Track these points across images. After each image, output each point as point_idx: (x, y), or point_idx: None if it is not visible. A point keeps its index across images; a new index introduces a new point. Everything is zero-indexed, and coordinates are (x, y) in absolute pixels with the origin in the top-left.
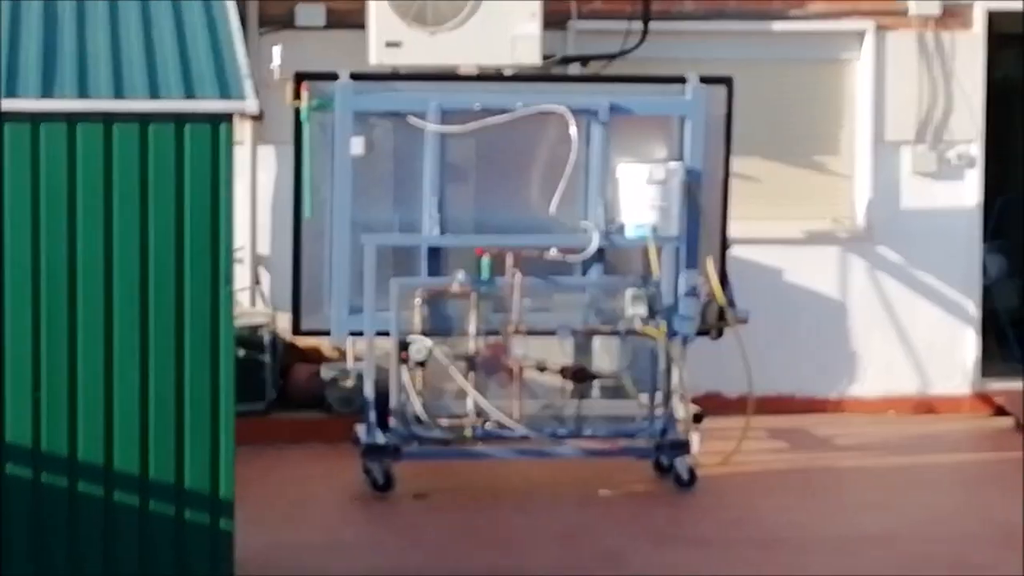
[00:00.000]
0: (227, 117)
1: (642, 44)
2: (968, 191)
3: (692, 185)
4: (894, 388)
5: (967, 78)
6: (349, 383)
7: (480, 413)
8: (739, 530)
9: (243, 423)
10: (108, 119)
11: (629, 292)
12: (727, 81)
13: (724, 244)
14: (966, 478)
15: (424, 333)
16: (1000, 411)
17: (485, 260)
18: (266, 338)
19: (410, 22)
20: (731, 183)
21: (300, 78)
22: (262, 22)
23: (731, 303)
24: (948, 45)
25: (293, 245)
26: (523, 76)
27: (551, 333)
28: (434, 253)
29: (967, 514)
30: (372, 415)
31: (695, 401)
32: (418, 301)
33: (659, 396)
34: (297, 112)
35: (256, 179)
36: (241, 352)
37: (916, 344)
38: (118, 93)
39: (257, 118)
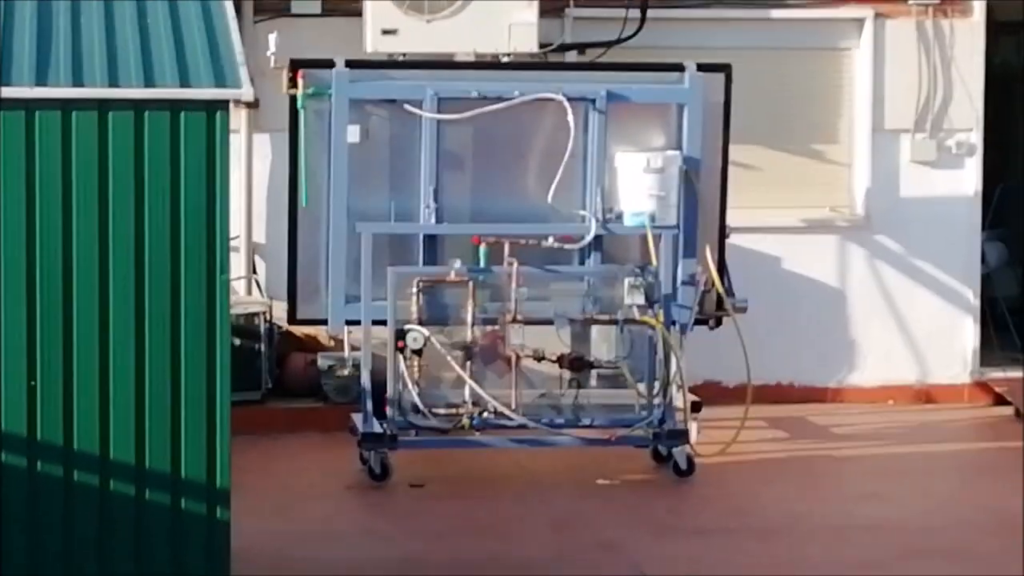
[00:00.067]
0: (222, 104)
1: (640, 32)
2: (967, 179)
3: (690, 173)
4: (893, 377)
5: (966, 66)
6: (345, 372)
7: (477, 402)
8: (738, 519)
9: (239, 412)
10: (103, 106)
11: (627, 281)
12: (725, 69)
13: (722, 232)
14: (965, 467)
15: (421, 322)
16: (1000, 400)
17: (482, 249)
18: (262, 327)
19: (406, 9)
20: (729, 171)
21: (296, 66)
22: (257, 9)
23: (729, 292)
24: (947, 33)
25: (289, 233)
26: (520, 64)
27: (548, 322)
28: (431, 242)
29: (966, 503)
30: (369, 404)
31: (693, 390)
32: (415, 290)
33: (657, 385)
34: (293, 100)
35: (252, 167)
36: (237, 341)
37: (915, 333)
38: (113, 80)
39: (253, 105)
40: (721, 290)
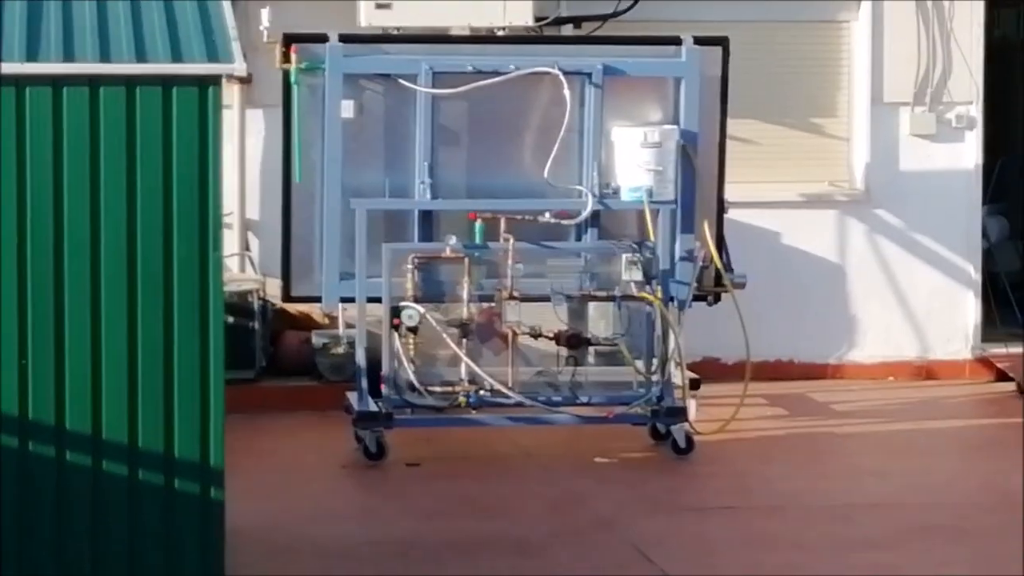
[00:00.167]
0: (215, 80)
1: (636, 5)
2: (967, 153)
3: (688, 148)
4: (894, 353)
5: (966, 38)
6: (340, 350)
7: (473, 380)
8: (737, 497)
9: (233, 391)
10: (94, 82)
11: (624, 257)
12: (723, 42)
13: (721, 208)
14: (967, 444)
15: (416, 299)
16: (1001, 376)
17: (478, 225)
18: (256, 305)
19: None
20: (727, 146)
21: (289, 40)
22: None
23: (728, 267)
24: (947, 5)
25: (283, 210)
26: (516, 38)
27: (545, 299)
28: (426, 218)
29: (968, 480)
30: (364, 382)
31: (692, 367)
32: (410, 267)
33: (655, 362)
34: (286, 75)
35: (245, 143)
36: (230, 319)
37: (916, 308)
38: (104, 56)
39: (245, 81)
40: (720, 266)
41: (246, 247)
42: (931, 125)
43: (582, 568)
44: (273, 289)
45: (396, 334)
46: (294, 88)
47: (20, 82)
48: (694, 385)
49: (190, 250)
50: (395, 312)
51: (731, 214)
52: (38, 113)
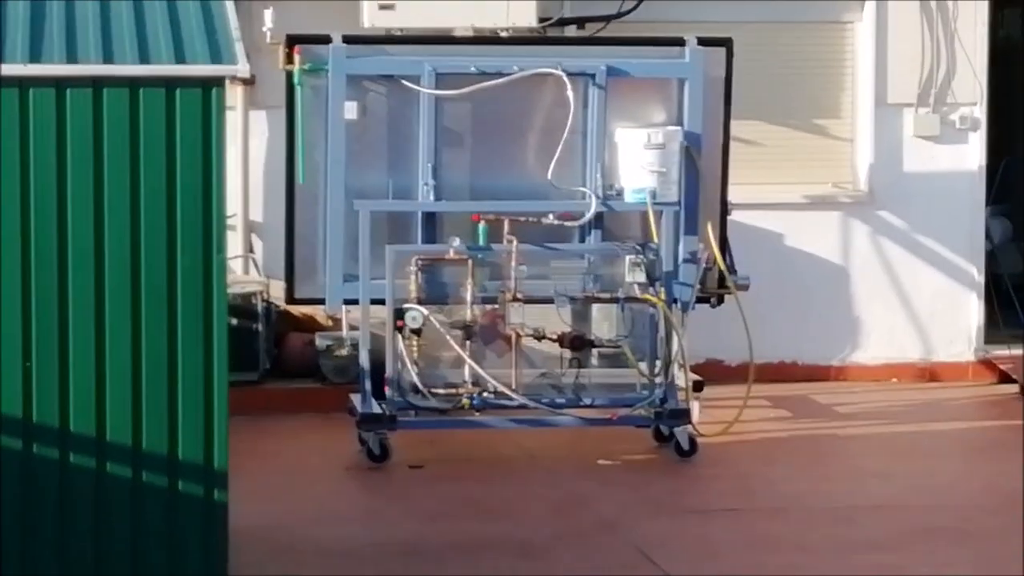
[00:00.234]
0: (218, 81)
1: (640, 5)
2: (971, 154)
3: (691, 149)
4: (897, 355)
5: (970, 39)
6: (344, 352)
7: (477, 382)
8: (740, 499)
9: (236, 393)
10: (97, 83)
11: (628, 258)
12: (727, 43)
13: (724, 209)
14: (970, 445)
15: (420, 301)
16: (1004, 377)
17: (481, 226)
18: (259, 307)
19: None
20: (731, 147)
21: (292, 41)
22: None
23: (731, 269)
24: (951, 6)
25: (286, 212)
26: (519, 39)
27: (549, 300)
28: (429, 219)
29: (971, 482)
30: (367, 384)
31: (695, 369)
32: (413, 268)
33: (659, 364)
34: (289, 76)
35: (248, 144)
36: (234, 321)
37: (919, 310)
38: (107, 58)
39: (249, 82)
40: (723, 267)
41: (250, 249)
42: (935, 126)
43: (585, 570)
44: (277, 291)
45: (400, 336)
46: (297, 89)
47: (23, 83)
48: (697, 387)
49: (194, 252)
50: (399, 314)
51: (735, 216)
52: (41, 114)
